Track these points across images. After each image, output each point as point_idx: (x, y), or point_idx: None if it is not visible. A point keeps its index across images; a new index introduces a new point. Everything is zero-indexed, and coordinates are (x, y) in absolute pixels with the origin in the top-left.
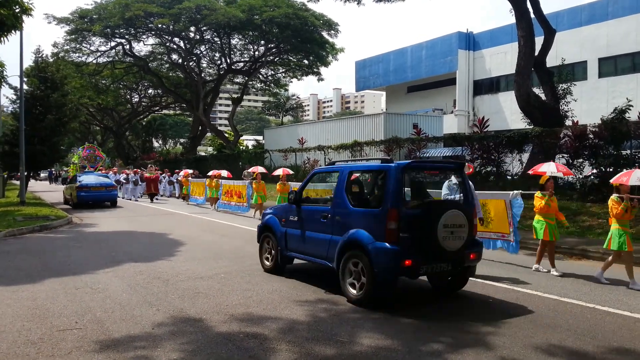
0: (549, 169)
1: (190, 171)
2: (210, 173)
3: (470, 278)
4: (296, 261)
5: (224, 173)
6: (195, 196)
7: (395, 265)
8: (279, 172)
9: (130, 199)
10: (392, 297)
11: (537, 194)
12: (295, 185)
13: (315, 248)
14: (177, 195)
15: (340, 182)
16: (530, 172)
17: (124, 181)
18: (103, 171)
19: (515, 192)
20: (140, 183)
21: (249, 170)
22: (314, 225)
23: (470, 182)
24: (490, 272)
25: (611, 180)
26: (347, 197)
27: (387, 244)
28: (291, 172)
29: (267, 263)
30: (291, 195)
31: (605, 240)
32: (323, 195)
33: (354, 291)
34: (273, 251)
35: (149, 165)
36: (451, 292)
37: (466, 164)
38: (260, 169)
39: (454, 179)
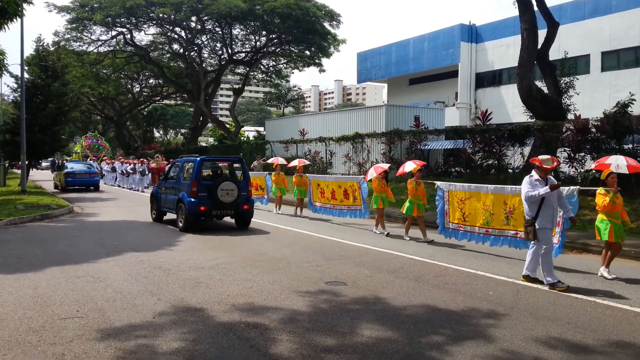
0: (615, 162)
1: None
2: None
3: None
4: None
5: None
6: None
7: (196, 209)
8: (295, 163)
9: (137, 190)
10: (197, 228)
11: (600, 190)
12: (315, 178)
13: (170, 204)
14: None
15: (180, 167)
16: (594, 165)
17: (131, 171)
18: (107, 161)
19: (572, 187)
20: (147, 173)
21: (269, 160)
22: (170, 192)
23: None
24: (498, 268)
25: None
26: (181, 175)
27: (192, 199)
28: (307, 162)
29: (153, 216)
30: (162, 175)
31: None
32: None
33: (181, 224)
34: (155, 210)
35: (156, 155)
36: (239, 227)
37: (550, 157)
38: (280, 160)
39: (534, 175)
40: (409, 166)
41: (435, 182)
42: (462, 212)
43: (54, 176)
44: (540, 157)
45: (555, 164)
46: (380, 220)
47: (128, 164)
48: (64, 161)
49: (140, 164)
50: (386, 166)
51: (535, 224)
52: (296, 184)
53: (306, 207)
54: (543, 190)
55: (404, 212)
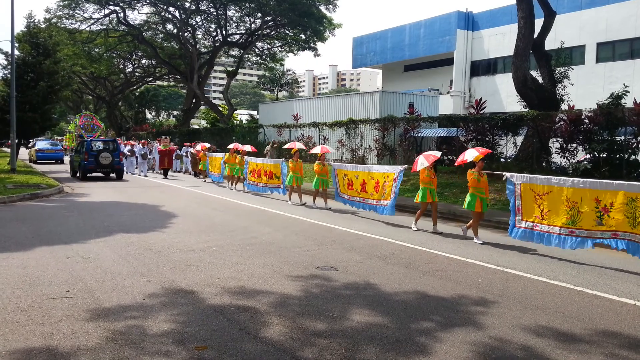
0: (469, 154)
1: (208, 145)
2: (230, 146)
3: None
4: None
5: (247, 148)
6: (213, 172)
7: (87, 167)
8: (317, 149)
9: (136, 174)
10: (88, 179)
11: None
12: (342, 167)
13: (77, 166)
14: (183, 170)
15: (81, 144)
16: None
17: (129, 153)
18: None
19: None
20: (149, 156)
21: (286, 145)
22: (76, 159)
23: None
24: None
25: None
26: (82, 149)
27: (85, 162)
28: (331, 149)
29: (71, 174)
30: (77, 147)
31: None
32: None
33: (79, 175)
34: (71, 169)
35: (164, 137)
36: (117, 179)
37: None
38: (298, 145)
39: None
40: (471, 154)
41: (503, 173)
42: (540, 209)
43: (29, 152)
44: None
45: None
46: (419, 216)
47: (125, 145)
48: (57, 141)
49: (141, 146)
50: (438, 154)
51: None
52: (318, 173)
53: (331, 198)
54: None
55: (465, 207)
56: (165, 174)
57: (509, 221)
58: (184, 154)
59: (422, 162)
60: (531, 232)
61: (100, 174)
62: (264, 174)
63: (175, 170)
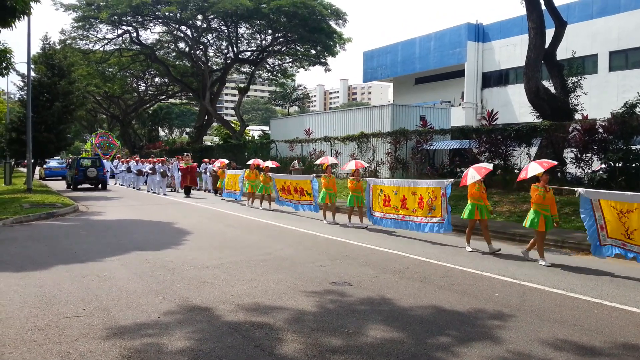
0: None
1: (227, 161)
2: (250, 162)
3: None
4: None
5: (269, 163)
6: (232, 190)
7: (77, 179)
8: (351, 165)
9: (157, 193)
10: (76, 187)
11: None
12: (377, 183)
13: (70, 179)
14: (204, 188)
15: (72, 162)
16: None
17: (150, 171)
18: (122, 160)
19: None
20: (168, 174)
21: (317, 161)
22: (70, 173)
23: None
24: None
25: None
26: (73, 166)
27: (75, 175)
28: (365, 164)
29: (68, 184)
30: (70, 164)
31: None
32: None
33: (71, 187)
34: (67, 182)
35: (185, 154)
36: (102, 189)
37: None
38: (330, 160)
39: None
40: (534, 169)
41: (575, 188)
42: (625, 227)
43: (39, 170)
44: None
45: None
46: (470, 234)
47: (147, 164)
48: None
49: (160, 164)
50: (490, 166)
51: None
52: (352, 190)
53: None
54: None
55: (527, 225)
56: (187, 193)
57: (589, 239)
58: (203, 170)
59: (473, 175)
60: (623, 250)
61: (89, 185)
62: (294, 190)
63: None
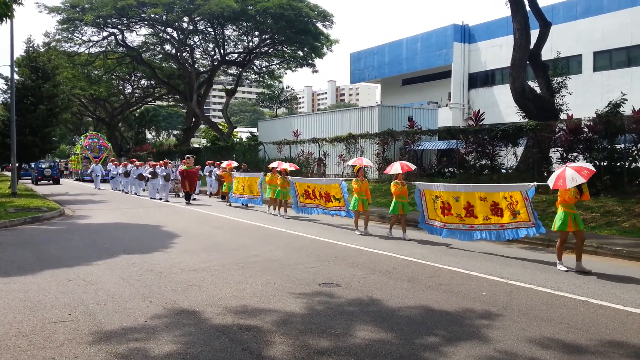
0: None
1: (235, 163)
2: (273, 165)
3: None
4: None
5: (286, 165)
6: (239, 194)
7: (37, 178)
8: (396, 168)
9: (159, 199)
10: (40, 183)
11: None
12: (432, 187)
13: (34, 178)
14: (209, 193)
15: (36, 166)
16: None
17: (150, 175)
18: (114, 162)
19: None
20: (172, 178)
21: (349, 162)
22: (33, 172)
23: None
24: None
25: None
26: (35, 167)
27: (36, 174)
28: (413, 167)
29: (33, 183)
30: (32, 167)
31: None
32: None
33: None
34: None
35: (187, 157)
36: (54, 184)
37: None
38: (365, 161)
39: None
40: (573, 178)
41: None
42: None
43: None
44: None
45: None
46: (561, 249)
47: (147, 167)
48: (61, 163)
49: (161, 167)
50: (591, 166)
51: None
52: (396, 195)
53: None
54: None
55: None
56: (188, 199)
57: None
58: (207, 174)
59: (574, 176)
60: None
61: (46, 181)
62: (320, 195)
63: (197, 193)
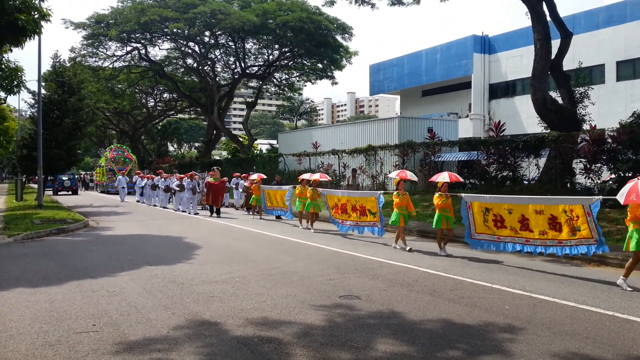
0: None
1: (264, 176)
2: (305, 176)
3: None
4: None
5: (316, 176)
6: (272, 207)
7: (59, 188)
8: (444, 177)
9: (186, 212)
10: (64, 192)
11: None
12: (480, 199)
13: (56, 189)
14: (237, 206)
15: (58, 177)
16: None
17: (177, 188)
18: (140, 174)
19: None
20: (198, 191)
21: (391, 175)
22: (55, 184)
23: None
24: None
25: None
26: (56, 179)
27: (57, 185)
28: (461, 179)
29: (52, 193)
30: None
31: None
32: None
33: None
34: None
35: (213, 168)
36: (72, 194)
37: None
38: (408, 174)
39: None
40: None
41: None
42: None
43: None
44: None
45: None
46: (631, 268)
47: (175, 179)
48: (86, 175)
49: (189, 180)
50: None
51: None
52: (439, 208)
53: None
54: None
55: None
56: (212, 212)
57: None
58: (233, 186)
59: None
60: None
61: (65, 192)
62: (353, 209)
63: (225, 206)
